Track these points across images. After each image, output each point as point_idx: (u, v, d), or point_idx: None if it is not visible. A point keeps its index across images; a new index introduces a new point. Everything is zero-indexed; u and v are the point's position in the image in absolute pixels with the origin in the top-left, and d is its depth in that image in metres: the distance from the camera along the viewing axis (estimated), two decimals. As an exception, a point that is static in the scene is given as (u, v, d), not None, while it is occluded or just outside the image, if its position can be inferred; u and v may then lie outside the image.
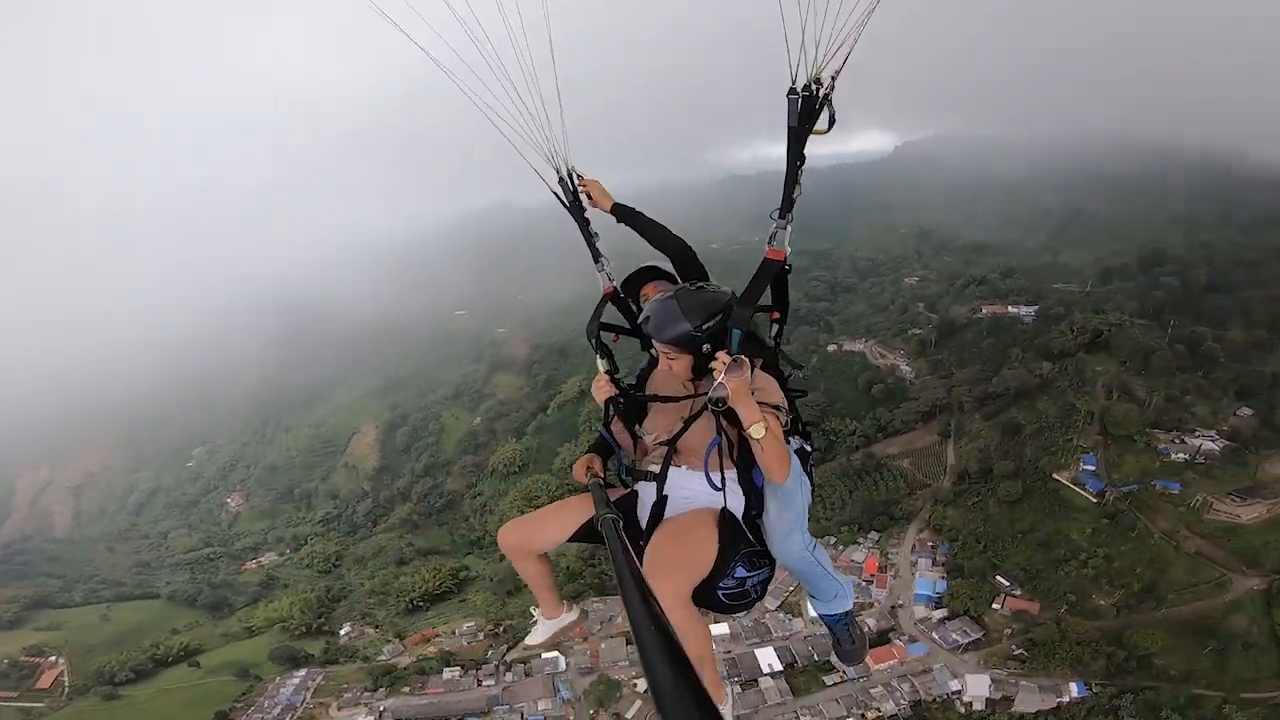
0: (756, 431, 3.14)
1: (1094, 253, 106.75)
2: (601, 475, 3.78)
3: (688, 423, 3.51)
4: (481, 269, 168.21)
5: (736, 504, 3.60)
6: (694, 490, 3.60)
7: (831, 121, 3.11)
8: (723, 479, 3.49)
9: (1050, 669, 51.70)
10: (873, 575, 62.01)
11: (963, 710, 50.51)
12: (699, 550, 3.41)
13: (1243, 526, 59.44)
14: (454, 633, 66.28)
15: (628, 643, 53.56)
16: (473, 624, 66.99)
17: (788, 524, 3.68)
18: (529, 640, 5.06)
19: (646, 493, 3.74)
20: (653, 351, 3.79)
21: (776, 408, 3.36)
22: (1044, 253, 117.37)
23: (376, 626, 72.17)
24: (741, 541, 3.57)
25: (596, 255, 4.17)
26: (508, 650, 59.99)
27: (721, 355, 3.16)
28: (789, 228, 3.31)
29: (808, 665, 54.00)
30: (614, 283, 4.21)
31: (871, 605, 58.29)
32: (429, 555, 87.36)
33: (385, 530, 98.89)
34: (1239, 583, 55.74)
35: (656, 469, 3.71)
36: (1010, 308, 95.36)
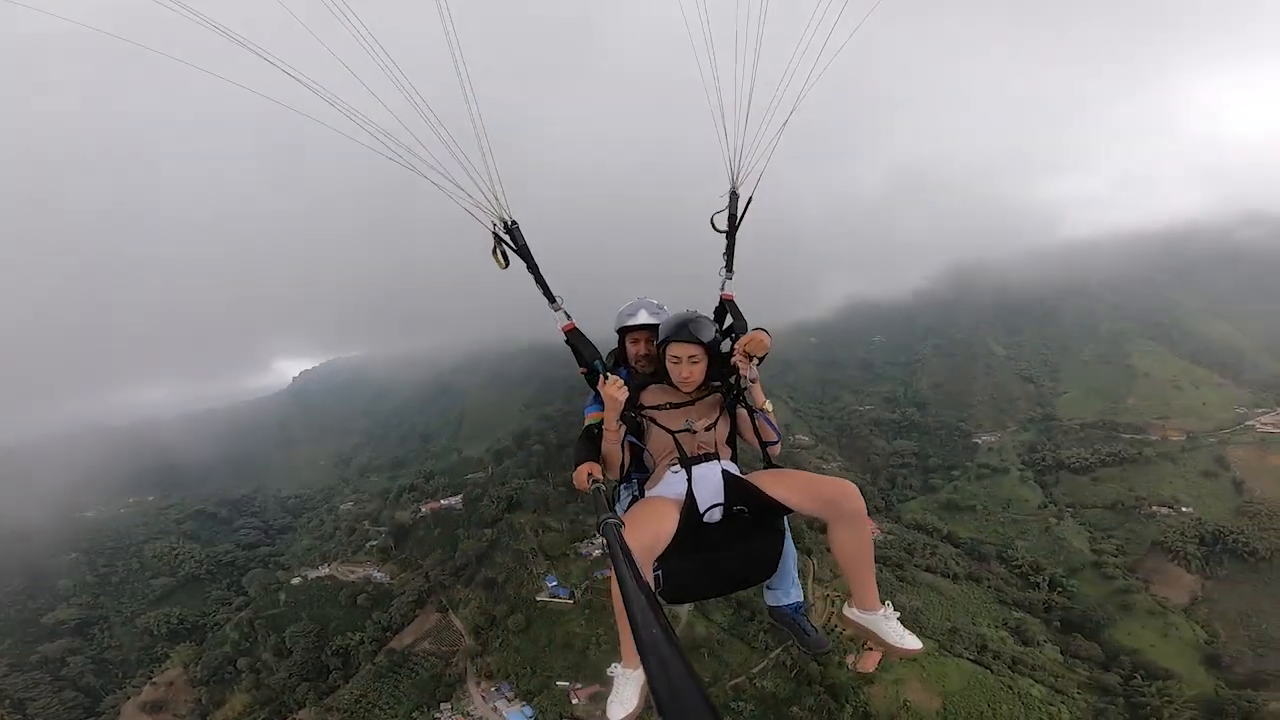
0: (769, 406, 4.28)
1: (485, 443, 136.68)
2: (603, 481, 3.84)
3: (723, 409, 4.26)
4: None
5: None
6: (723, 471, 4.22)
7: (745, 208, 4.76)
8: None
9: None
10: (474, 736, 61.44)
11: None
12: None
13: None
14: None
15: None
16: None
17: None
18: (616, 716, 3.85)
19: (708, 471, 4.03)
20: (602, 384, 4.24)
21: None
22: (450, 453, 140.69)
23: None
24: None
25: (551, 297, 4.32)
26: None
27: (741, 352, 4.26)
28: (733, 278, 4.76)
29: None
30: (572, 319, 4.41)
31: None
32: None
33: None
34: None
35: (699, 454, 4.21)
36: (443, 501, 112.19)
